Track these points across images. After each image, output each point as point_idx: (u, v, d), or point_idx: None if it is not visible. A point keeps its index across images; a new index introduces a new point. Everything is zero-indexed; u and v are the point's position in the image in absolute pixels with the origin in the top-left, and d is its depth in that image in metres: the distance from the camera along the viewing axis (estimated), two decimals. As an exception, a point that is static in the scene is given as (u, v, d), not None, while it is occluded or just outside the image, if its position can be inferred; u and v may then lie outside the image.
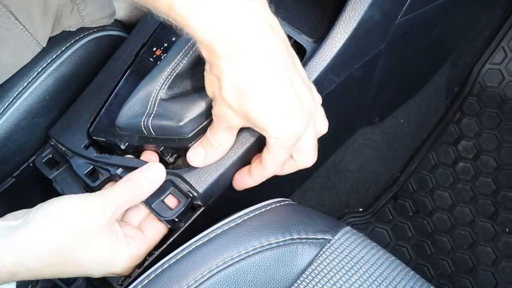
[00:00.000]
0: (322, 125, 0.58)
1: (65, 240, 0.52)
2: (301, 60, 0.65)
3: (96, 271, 0.55)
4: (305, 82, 0.54)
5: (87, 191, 0.64)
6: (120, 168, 0.62)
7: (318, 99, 0.59)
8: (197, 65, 0.61)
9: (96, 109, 0.66)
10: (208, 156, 0.58)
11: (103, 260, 0.54)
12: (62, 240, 0.52)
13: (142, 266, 0.60)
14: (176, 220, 0.59)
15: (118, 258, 0.55)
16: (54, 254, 0.52)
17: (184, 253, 0.55)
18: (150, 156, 0.62)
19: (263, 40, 0.49)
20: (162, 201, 0.60)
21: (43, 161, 0.67)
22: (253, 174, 0.59)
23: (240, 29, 0.47)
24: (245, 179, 0.60)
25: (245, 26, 0.48)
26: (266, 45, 0.49)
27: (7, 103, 0.66)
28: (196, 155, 0.58)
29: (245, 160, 0.62)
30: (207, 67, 0.52)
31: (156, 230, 0.59)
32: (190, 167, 0.60)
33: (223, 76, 0.49)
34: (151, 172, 0.57)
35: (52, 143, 0.67)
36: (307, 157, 0.57)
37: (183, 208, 0.59)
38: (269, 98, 0.50)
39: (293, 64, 0.52)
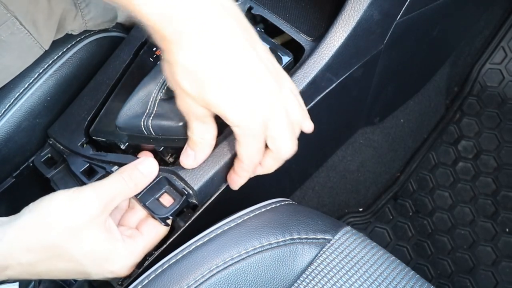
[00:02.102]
0: (297, 115, 0.55)
1: (56, 233, 0.51)
2: (299, 59, 0.65)
3: (92, 268, 0.53)
4: (267, 67, 0.51)
5: None
6: (116, 166, 0.62)
7: (292, 87, 0.55)
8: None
9: (94, 108, 0.66)
10: (197, 154, 0.57)
11: (98, 254, 0.53)
12: (53, 233, 0.51)
13: (142, 266, 0.60)
14: (171, 218, 0.60)
15: (113, 253, 0.54)
16: (45, 247, 0.51)
17: (184, 253, 0.55)
18: (146, 155, 0.62)
19: (213, 20, 0.47)
20: (157, 199, 0.60)
21: (42, 160, 0.68)
22: (236, 170, 0.57)
23: (188, 9, 0.46)
24: (233, 177, 0.58)
25: (193, 5, 0.46)
26: (218, 24, 0.47)
27: (8, 104, 0.67)
28: (186, 157, 0.57)
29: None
30: (162, 55, 0.49)
31: (154, 228, 0.58)
32: None
33: (175, 61, 0.47)
34: (144, 166, 0.57)
35: (51, 142, 0.67)
36: (283, 146, 0.54)
37: (177, 206, 0.59)
38: (225, 82, 0.48)
39: (250, 46, 0.49)
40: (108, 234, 0.54)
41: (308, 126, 0.58)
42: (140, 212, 0.60)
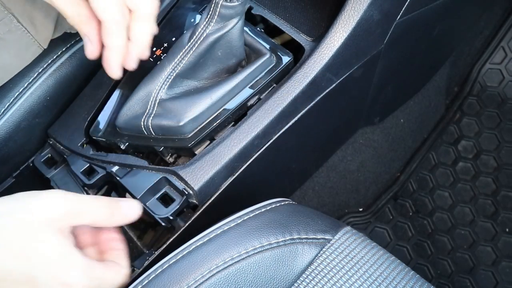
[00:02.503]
0: None
1: (10, 220, 0.47)
2: (299, 59, 0.65)
3: (42, 273, 0.47)
4: None
5: (84, 190, 0.64)
6: (116, 166, 0.62)
7: None
8: (198, 65, 0.61)
9: (94, 108, 0.66)
10: (89, 37, 0.55)
11: (52, 258, 0.47)
12: (8, 220, 0.47)
13: (142, 266, 0.61)
14: (171, 218, 0.59)
15: (69, 262, 0.48)
16: None
17: (184, 253, 0.55)
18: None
19: None
20: (157, 199, 0.60)
21: (42, 160, 0.68)
22: (103, 39, 0.55)
23: None
24: (103, 53, 0.55)
25: None
26: None
27: (8, 104, 0.67)
28: (87, 50, 0.56)
29: (242, 157, 0.62)
30: None
31: (114, 266, 0.53)
32: (185, 165, 0.60)
33: None
34: (128, 204, 0.54)
35: (51, 142, 0.67)
36: None
37: (178, 206, 0.59)
38: None
39: None
40: (67, 240, 0.49)
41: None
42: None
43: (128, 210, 0.54)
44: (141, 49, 0.57)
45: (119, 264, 0.53)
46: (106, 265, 0.52)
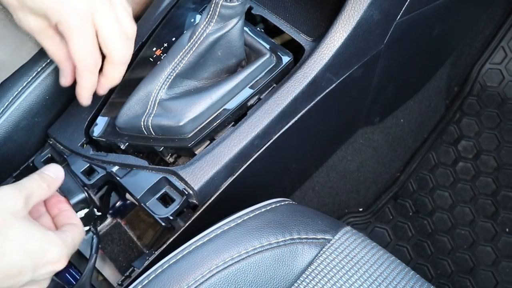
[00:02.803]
0: (127, 18, 0.59)
1: None
2: (299, 59, 0.65)
3: (28, 261, 0.50)
4: None
5: (84, 190, 0.64)
6: (117, 166, 0.62)
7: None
8: (198, 65, 0.61)
9: (94, 108, 0.66)
10: (63, 72, 0.61)
11: (33, 244, 0.50)
12: None
13: (142, 266, 0.61)
14: (171, 218, 0.59)
15: (48, 242, 0.51)
16: None
17: (184, 253, 0.55)
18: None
19: None
20: (157, 199, 0.60)
21: (42, 160, 0.68)
22: (76, 78, 0.60)
23: None
24: (76, 89, 0.61)
25: None
26: None
27: (7, 103, 0.66)
28: (61, 79, 0.62)
29: (242, 157, 0.62)
30: None
31: (71, 227, 0.57)
32: (185, 165, 0.60)
33: None
34: (50, 169, 0.57)
35: (51, 142, 0.67)
36: (114, 46, 0.58)
37: (177, 206, 0.59)
38: None
39: None
40: (34, 224, 0.52)
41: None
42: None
43: (55, 174, 0.57)
44: (111, 84, 0.63)
45: (75, 224, 0.58)
46: (70, 228, 0.56)
